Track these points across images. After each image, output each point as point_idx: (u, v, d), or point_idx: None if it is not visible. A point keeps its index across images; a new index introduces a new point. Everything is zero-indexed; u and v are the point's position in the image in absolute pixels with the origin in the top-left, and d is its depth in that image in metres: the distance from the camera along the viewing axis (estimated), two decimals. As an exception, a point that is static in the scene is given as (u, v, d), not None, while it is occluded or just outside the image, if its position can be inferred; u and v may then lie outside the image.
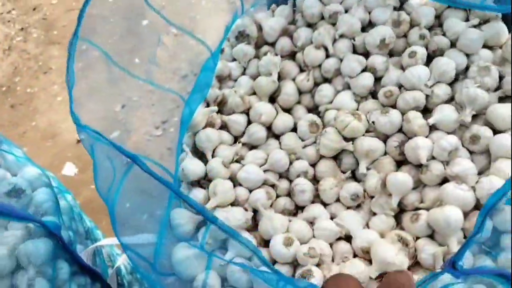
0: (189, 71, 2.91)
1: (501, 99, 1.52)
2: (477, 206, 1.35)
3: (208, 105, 1.77)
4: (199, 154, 1.68)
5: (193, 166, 1.56)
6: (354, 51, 1.74)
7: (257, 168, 1.56)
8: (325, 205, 1.55)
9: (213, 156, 1.64)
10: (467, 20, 1.64)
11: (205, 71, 1.70)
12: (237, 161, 1.65)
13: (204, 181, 1.59)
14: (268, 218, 1.44)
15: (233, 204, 1.53)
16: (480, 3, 1.45)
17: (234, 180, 1.59)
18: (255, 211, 1.52)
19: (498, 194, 1.04)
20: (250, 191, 1.56)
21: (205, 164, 1.61)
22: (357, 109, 1.65)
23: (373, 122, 1.55)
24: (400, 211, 1.48)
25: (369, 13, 1.76)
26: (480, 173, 1.43)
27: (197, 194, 1.53)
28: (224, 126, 1.76)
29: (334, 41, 1.73)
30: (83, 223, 1.56)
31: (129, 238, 1.26)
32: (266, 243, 1.46)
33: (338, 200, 1.54)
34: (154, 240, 1.33)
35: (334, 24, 1.76)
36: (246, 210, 1.51)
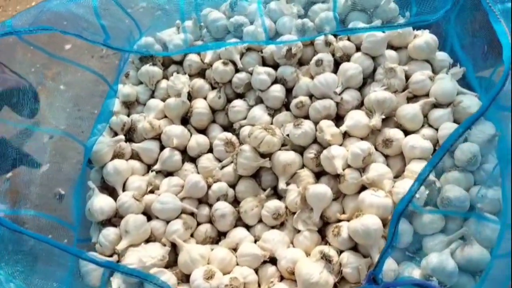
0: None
1: (409, 100, 1.52)
2: (396, 211, 1.33)
3: (116, 134, 1.64)
4: (110, 190, 1.55)
5: (100, 204, 1.43)
6: (263, 63, 1.68)
7: (172, 197, 1.46)
8: (248, 227, 1.48)
9: (124, 190, 1.52)
10: (370, 22, 1.64)
11: (108, 99, 1.58)
12: (152, 191, 1.54)
13: (115, 219, 1.47)
14: (187, 251, 1.34)
15: (149, 239, 1.42)
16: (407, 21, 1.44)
17: (150, 213, 1.48)
18: (175, 245, 1.42)
19: (405, 200, 1.01)
20: (168, 222, 1.45)
21: (116, 200, 1.49)
22: (271, 123, 1.59)
23: (287, 135, 1.50)
24: (324, 224, 1.43)
25: (275, 23, 1.72)
26: (397, 176, 1.42)
27: (108, 234, 1.40)
28: (135, 155, 1.64)
29: (242, 55, 1.67)
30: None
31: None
32: (188, 278, 1.35)
33: (261, 220, 1.47)
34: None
35: (240, 38, 1.70)
36: (164, 245, 1.40)
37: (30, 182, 1.26)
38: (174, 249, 1.42)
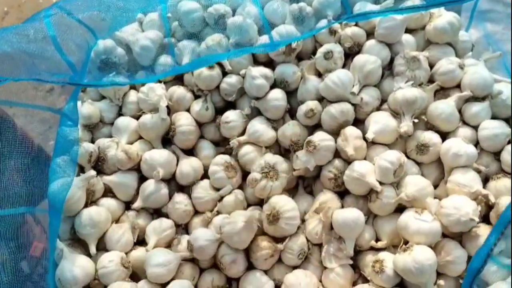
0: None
1: (436, 93, 1.29)
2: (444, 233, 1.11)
3: (81, 168, 1.29)
4: (84, 242, 1.22)
5: (72, 272, 1.08)
6: (254, 61, 1.38)
7: (169, 256, 1.14)
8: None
9: (99, 243, 1.20)
10: (377, 1, 1.38)
11: (62, 126, 1.22)
12: (138, 242, 1.23)
13: (95, 282, 1.14)
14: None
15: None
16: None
17: (139, 270, 1.18)
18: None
19: (480, 255, 0.80)
20: (164, 285, 1.15)
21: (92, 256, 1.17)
22: (277, 138, 1.31)
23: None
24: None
25: (262, 8, 1.41)
26: (435, 186, 1.19)
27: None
28: (107, 189, 1.31)
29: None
30: None
31: None
32: None
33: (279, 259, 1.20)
34: None
35: (223, 31, 1.38)
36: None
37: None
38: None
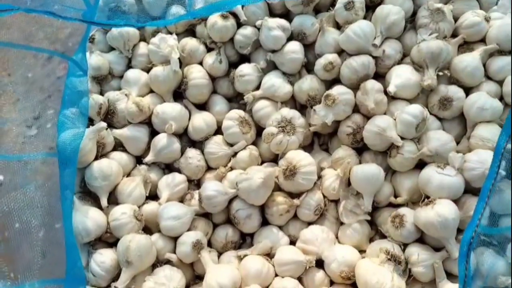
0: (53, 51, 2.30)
1: (460, 47, 1.24)
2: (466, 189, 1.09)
3: (91, 122, 1.25)
4: (94, 194, 1.19)
5: (83, 223, 1.06)
6: (271, 13, 1.32)
7: (182, 209, 1.12)
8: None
9: (111, 198, 1.17)
10: None
11: (71, 77, 1.17)
12: (149, 197, 1.21)
13: (107, 235, 1.12)
14: (213, 271, 1.04)
15: (155, 264, 1.11)
16: None
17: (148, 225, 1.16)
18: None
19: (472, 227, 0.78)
20: (175, 238, 1.13)
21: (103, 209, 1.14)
22: (293, 93, 1.26)
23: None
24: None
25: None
26: (456, 142, 1.15)
27: (103, 262, 1.05)
28: (117, 144, 1.27)
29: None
30: None
31: None
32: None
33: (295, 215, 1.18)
34: None
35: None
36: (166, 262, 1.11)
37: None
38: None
